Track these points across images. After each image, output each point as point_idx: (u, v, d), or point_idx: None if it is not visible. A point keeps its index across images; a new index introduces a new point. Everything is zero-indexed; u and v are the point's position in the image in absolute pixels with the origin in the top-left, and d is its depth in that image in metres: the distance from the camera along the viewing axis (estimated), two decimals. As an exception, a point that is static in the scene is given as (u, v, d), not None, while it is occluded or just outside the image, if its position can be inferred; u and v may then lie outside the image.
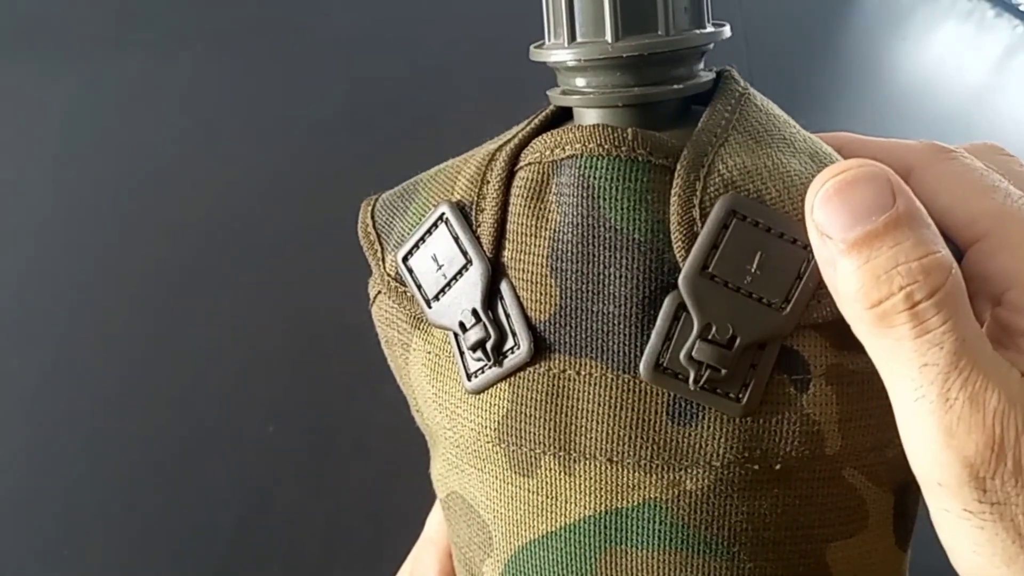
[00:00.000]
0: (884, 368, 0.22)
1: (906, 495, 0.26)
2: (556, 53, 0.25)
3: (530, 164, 0.25)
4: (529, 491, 0.25)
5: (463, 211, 0.26)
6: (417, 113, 0.64)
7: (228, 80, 0.63)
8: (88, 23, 0.62)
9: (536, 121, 0.27)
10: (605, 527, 0.24)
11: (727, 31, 0.26)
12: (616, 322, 0.24)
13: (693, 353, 0.23)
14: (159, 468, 0.58)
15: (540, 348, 0.24)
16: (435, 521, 0.34)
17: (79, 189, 0.60)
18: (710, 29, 0.25)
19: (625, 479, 0.24)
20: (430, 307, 0.26)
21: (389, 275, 0.28)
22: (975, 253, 0.24)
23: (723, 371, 0.23)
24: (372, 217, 0.29)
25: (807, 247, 0.23)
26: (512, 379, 0.25)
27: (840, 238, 0.22)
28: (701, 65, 0.26)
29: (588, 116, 0.26)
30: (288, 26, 0.65)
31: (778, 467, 0.24)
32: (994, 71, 0.74)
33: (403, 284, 0.27)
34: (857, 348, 0.23)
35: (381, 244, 0.28)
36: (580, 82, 0.26)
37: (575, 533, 0.25)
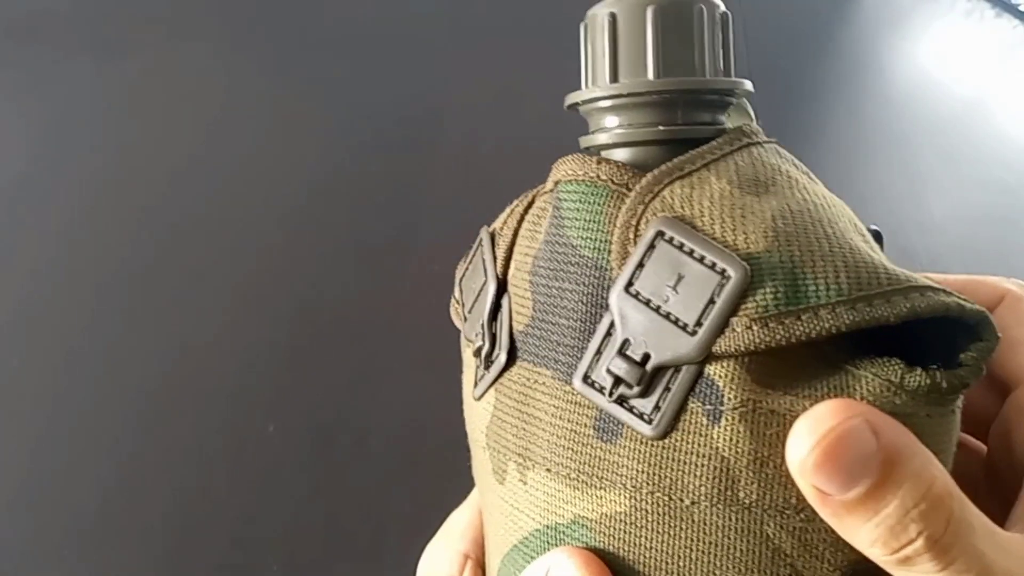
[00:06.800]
0: None
1: None
2: (593, 92, 0.26)
3: (542, 193, 0.27)
4: (503, 500, 0.26)
5: (492, 236, 0.28)
6: (423, 115, 0.64)
7: (230, 80, 0.63)
8: (88, 23, 0.62)
9: None
10: (548, 542, 0.25)
11: (748, 84, 0.27)
12: (565, 334, 0.25)
13: (610, 366, 0.23)
14: (159, 468, 0.58)
15: (512, 357, 0.26)
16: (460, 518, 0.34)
17: (79, 189, 0.60)
18: (735, 79, 0.27)
19: (561, 493, 0.25)
20: (465, 321, 0.29)
21: (455, 295, 0.30)
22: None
23: (635, 387, 0.23)
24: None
25: (723, 272, 0.22)
26: (496, 386, 0.27)
27: (840, 497, 0.22)
28: (724, 117, 0.27)
29: (615, 155, 0.26)
30: (292, 26, 0.65)
31: (688, 503, 0.23)
32: (994, 70, 0.74)
33: (458, 302, 0.30)
34: (782, 389, 0.23)
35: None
36: (612, 121, 0.26)
37: (528, 548, 0.25)
